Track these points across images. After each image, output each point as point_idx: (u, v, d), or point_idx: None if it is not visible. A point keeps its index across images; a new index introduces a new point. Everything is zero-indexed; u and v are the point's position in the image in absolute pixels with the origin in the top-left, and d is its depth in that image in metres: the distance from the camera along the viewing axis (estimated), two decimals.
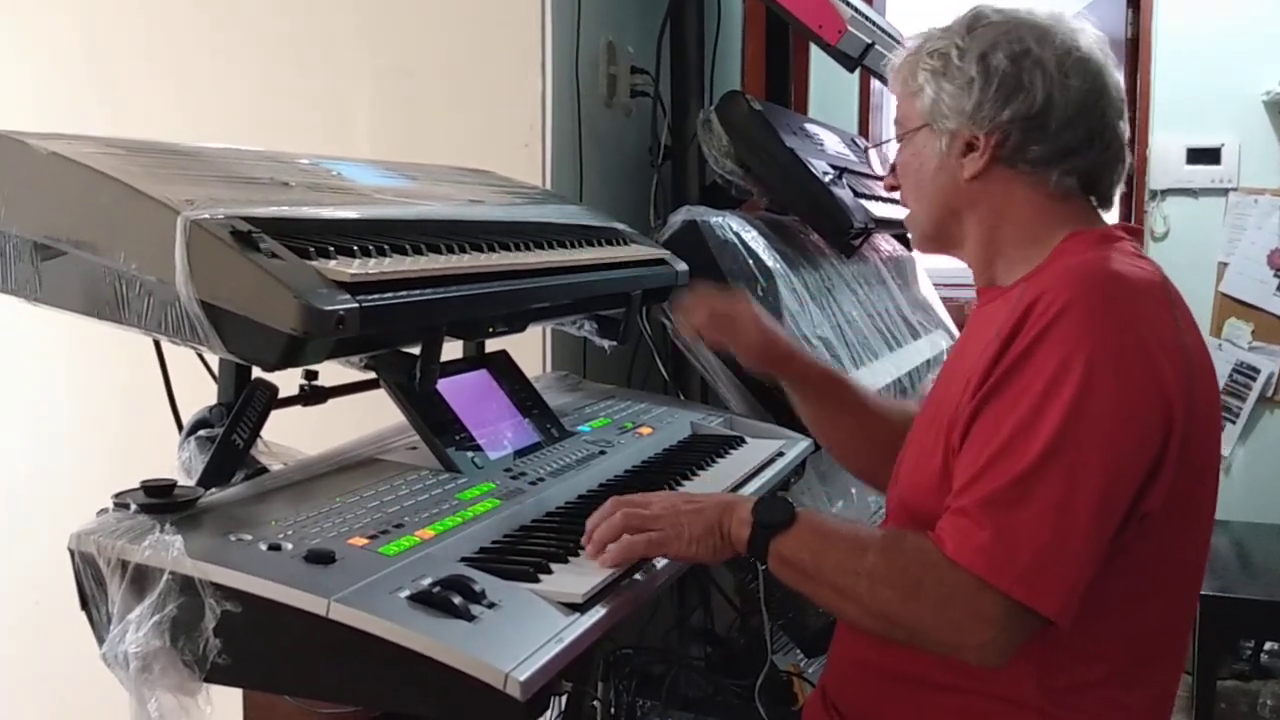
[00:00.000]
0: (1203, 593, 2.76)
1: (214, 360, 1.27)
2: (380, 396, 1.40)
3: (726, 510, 1.22)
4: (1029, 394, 1.13)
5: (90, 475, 1.43)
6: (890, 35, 2.56)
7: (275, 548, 1.04)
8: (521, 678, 0.91)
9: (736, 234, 2.07)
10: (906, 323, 2.63)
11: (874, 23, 2.43)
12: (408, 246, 1.26)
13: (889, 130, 1.45)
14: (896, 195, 1.45)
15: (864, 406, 1.66)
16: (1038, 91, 1.27)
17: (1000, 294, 1.32)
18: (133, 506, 1.08)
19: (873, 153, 2.84)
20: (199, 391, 1.32)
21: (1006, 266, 1.34)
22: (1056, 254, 1.28)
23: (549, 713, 1.81)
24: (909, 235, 1.47)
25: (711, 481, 1.52)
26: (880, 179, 2.71)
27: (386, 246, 1.23)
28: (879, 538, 1.22)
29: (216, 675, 1.01)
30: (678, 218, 2.09)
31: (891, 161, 1.45)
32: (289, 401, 1.32)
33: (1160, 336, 1.17)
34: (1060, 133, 1.28)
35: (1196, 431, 1.19)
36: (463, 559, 1.11)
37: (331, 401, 1.40)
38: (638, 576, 1.17)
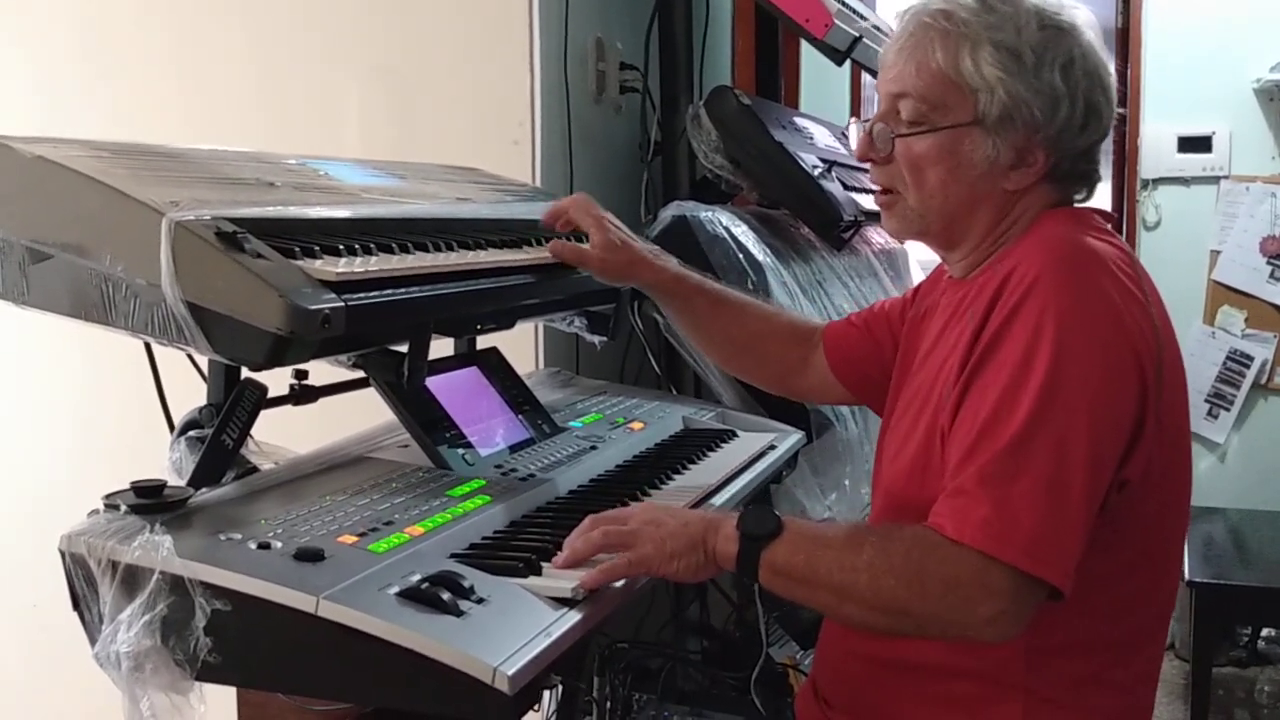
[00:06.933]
0: (1198, 580, 2.81)
1: (204, 361, 1.28)
2: (372, 395, 1.40)
3: (710, 527, 1.17)
4: (1007, 367, 1.14)
5: (87, 476, 1.43)
6: (880, 29, 2.56)
7: (264, 546, 1.04)
8: (509, 672, 0.91)
9: (726, 228, 2.07)
10: None
11: (863, 16, 2.43)
12: (394, 245, 1.27)
13: None
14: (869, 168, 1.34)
15: (722, 308, 1.64)
16: (1092, 110, 1.25)
17: (970, 280, 1.32)
18: (123, 507, 1.09)
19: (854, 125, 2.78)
20: (194, 392, 1.33)
21: (986, 259, 1.32)
22: (1028, 231, 1.28)
23: (545, 707, 1.81)
24: (890, 221, 1.36)
25: (703, 475, 1.52)
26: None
27: (373, 245, 1.23)
28: (873, 532, 1.21)
29: (208, 674, 1.02)
30: (668, 213, 2.10)
31: (868, 130, 1.31)
32: (279, 401, 1.33)
33: (1127, 304, 1.18)
34: (1097, 156, 1.29)
35: (1168, 399, 1.20)
36: (452, 555, 1.11)
37: (323, 400, 1.40)
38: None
